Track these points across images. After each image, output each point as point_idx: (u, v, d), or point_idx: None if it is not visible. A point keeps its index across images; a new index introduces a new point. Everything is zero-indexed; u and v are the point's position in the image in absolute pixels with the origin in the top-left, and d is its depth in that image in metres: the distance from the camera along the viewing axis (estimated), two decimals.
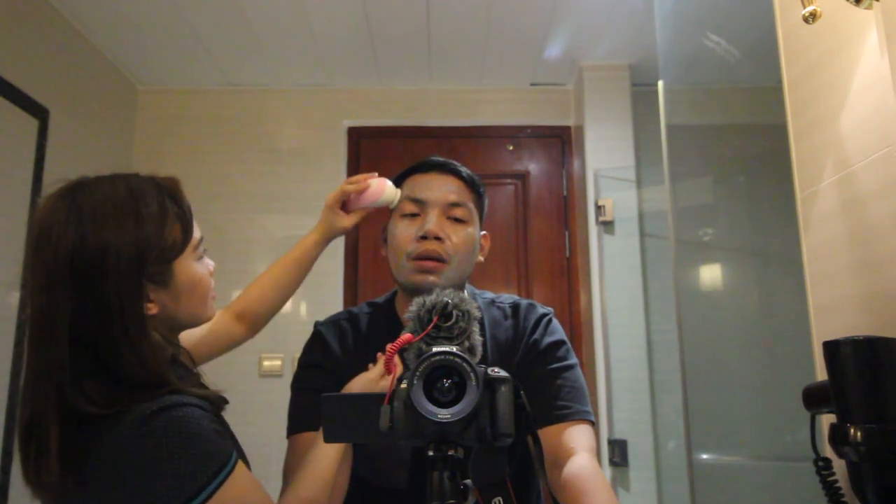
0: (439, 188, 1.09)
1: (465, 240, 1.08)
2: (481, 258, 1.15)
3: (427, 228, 1.05)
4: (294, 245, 1.22)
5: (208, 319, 0.93)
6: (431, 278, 1.04)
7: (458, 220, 1.08)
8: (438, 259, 1.04)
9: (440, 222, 1.07)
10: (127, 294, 0.79)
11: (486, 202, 1.17)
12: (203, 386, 0.89)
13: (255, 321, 1.20)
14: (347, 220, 1.19)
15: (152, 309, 0.83)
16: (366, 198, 1.16)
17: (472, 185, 1.13)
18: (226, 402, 0.89)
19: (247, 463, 0.88)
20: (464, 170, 1.13)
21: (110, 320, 0.78)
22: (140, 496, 0.74)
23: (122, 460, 0.74)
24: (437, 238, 1.05)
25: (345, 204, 1.19)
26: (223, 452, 0.77)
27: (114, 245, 0.78)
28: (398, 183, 1.16)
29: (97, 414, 0.75)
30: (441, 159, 1.13)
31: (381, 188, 1.14)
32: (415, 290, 1.04)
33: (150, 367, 0.79)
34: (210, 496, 0.74)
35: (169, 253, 0.84)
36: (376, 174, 1.16)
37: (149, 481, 0.73)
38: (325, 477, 0.91)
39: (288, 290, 1.22)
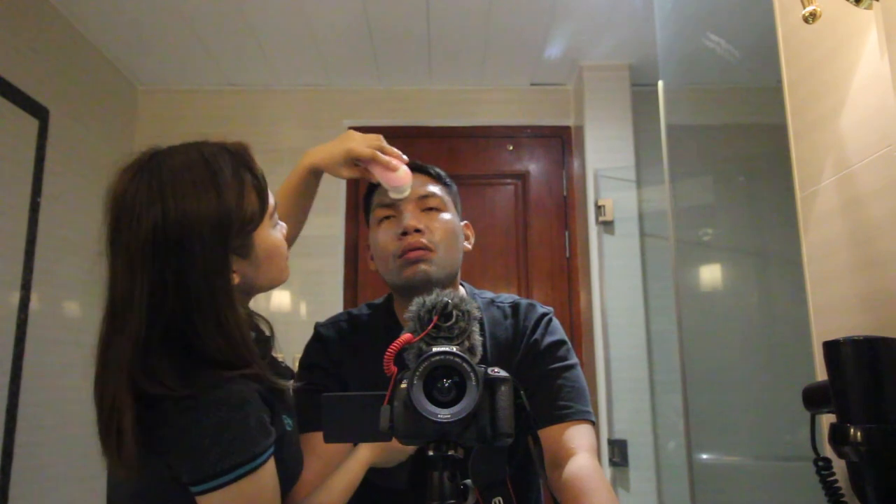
0: None
1: (446, 226, 1.09)
2: (468, 245, 1.16)
3: (405, 224, 1.05)
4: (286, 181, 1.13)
5: (284, 282, 0.94)
6: (423, 267, 1.04)
7: (433, 210, 1.09)
8: (424, 248, 1.05)
9: (416, 216, 1.07)
10: (213, 268, 0.79)
11: (457, 192, 1.17)
12: (273, 358, 0.90)
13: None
14: (349, 173, 1.10)
15: (235, 279, 0.83)
16: (384, 176, 1.07)
17: (439, 178, 1.14)
18: (291, 373, 0.90)
19: (292, 439, 0.90)
20: (427, 165, 1.15)
21: (197, 296, 0.78)
22: (171, 466, 0.76)
23: (168, 435, 0.76)
24: (417, 231, 1.05)
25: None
26: (257, 447, 0.77)
27: (196, 217, 0.78)
28: (370, 193, 1.15)
29: (166, 396, 0.76)
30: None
31: (405, 181, 1.08)
32: (410, 287, 1.04)
33: (235, 342, 0.79)
34: (227, 483, 0.75)
35: (248, 225, 0.84)
36: (407, 161, 1.10)
37: (178, 454, 0.76)
38: (351, 488, 0.92)
39: (300, 218, 1.15)
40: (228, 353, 0.79)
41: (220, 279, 0.79)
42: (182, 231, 0.77)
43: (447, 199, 1.13)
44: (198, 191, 0.79)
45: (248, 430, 0.77)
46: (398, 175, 1.07)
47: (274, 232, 0.90)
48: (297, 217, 1.15)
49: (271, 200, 0.90)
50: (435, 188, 1.12)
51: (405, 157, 1.10)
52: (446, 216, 1.10)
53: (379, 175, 1.08)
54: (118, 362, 0.77)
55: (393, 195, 1.09)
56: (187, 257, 0.78)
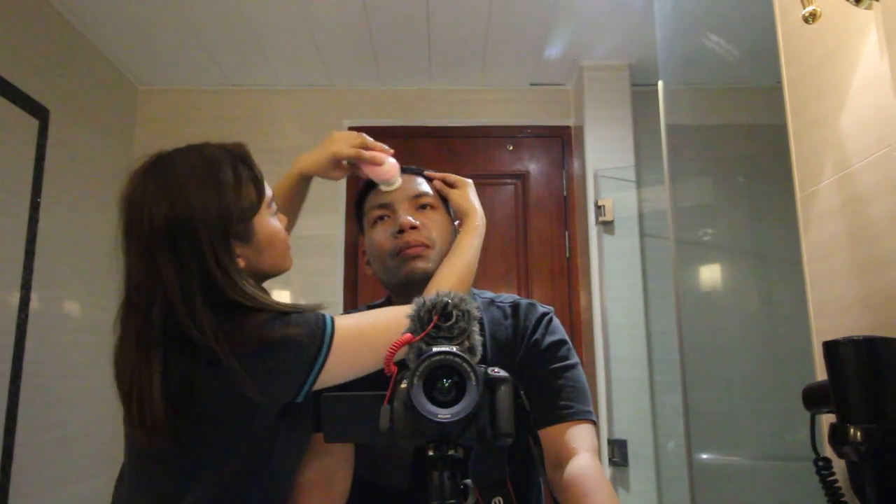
0: (399, 188, 1.11)
1: (441, 224, 1.10)
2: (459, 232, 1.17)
3: (401, 221, 1.06)
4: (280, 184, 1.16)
5: (288, 269, 0.99)
6: (420, 264, 1.05)
7: (427, 207, 1.11)
8: (422, 245, 1.06)
9: (411, 213, 1.09)
10: (220, 250, 0.85)
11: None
12: None
13: None
14: (340, 174, 1.14)
15: (241, 263, 0.90)
16: (372, 171, 1.10)
17: (429, 180, 1.16)
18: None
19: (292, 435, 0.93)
20: (418, 168, 1.17)
21: (210, 273, 0.84)
22: (265, 386, 0.82)
23: (232, 379, 0.81)
24: (413, 227, 1.06)
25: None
26: (316, 318, 0.86)
27: (200, 210, 0.85)
28: (362, 197, 1.16)
29: (203, 345, 0.81)
30: None
31: (392, 173, 1.11)
32: (409, 284, 1.05)
33: (258, 298, 0.87)
34: (326, 359, 0.84)
35: (248, 212, 0.90)
36: (392, 153, 1.12)
37: (265, 374, 0.82)
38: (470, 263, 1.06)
39: (291, 220, 1.19)
40: (248, 301, 0.86)
41: (227, 260, 0.86)
42: (189, 220, 0.84)
43: (440, 200, 1.14)
44: (199, 184, 0.87)
45: (300, 318, 0.86)
46: (385, 168, 1.10)
47: (272, 220, 0.96)
48: (288, 220, 1.17)
49: (268, 191, 0.95)
50: (427, 188, 1.13)
51: (390, 149, 1.12)
52: (441, 215, 1.12)
53: (367, 171, 1.10)
54: (142, 337, 0.83)
55: (384, 188, 1.10)
56: (196, 241, 0.84)
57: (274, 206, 0.98)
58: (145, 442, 0.81)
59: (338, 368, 0.86)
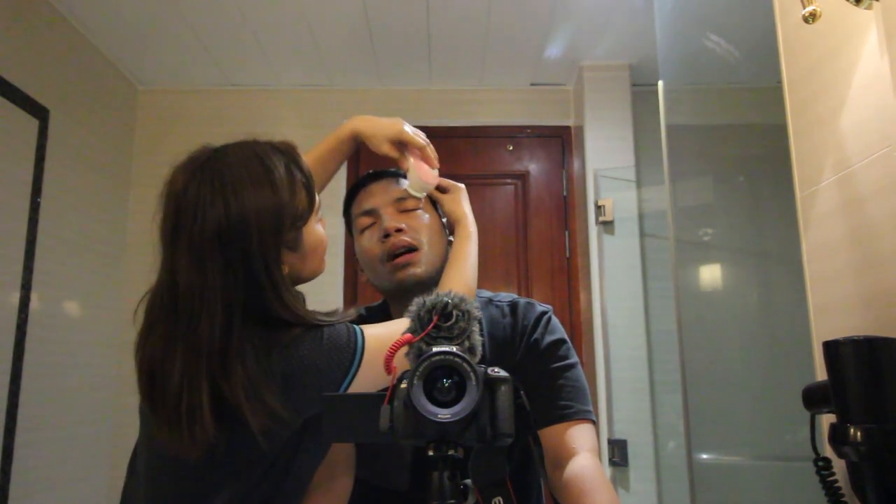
0: (381, 193, 1.12)
1: (428, 224, 1.11)
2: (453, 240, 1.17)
3: (385, 226, 1.07)
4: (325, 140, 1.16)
5: (321, 273, 0.98)
6: (412, 270, 1.06)
7: (410, 210, 1.11)
8: (410, 249, 1.06)
9: (396, 217, 1.09)
10: (270, 259, 0.84)
11: None
12: None
13: None
14: (388, 150, 1.14)
15: (284, 270, 0.88)
16: (419, 168, 1.11)
17: None
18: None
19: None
20: (400, 171, 1.16)
21: (261, 282, 0.83)
22: (301, 395, 0.82)
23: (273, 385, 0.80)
24: (399, 230, 1.07)
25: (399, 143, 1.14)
26: (349, 334, 0.86)
27: (254, 212, 0.83)
28: (347, 209, 1.18)
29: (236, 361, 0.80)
30: (373, 171, 1.17)
31: (432, 180, 1.13)
32: (402, 290, 1.05)
33: (298, 311, 0.86)
34: (355, 375, 0.84)
35: (299, 221, 0.89)
36: (438, 168, 1.15)
37: (301, 387, 0.82)
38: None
39: (324, 179, 1.18)
40: (291, 317, 0.85)
41: (277, 270, 0.85)
42: (242, 223, 0.82)
43: (427, 199, 1.15)
44: (255, 189, 0.84)
45: (335, 330, 0.86)
46: (434, 173, 1.13)
47: (318, 226, 0.95)
48: (322, 179, 1.16)
49: (317, 197, 0.94)
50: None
51: (438, 167, 1.15)
52: (426, 215, 1.12)
53: (414, 164, 1.11)
54: (190, 348, 0.80)
55: (412, 189, 1.11)
56: (248, 246, 0.82)
57: (321, 213, 0.97)
58: (185, 454, 0.78)
59: (364, 383, 0.86)
